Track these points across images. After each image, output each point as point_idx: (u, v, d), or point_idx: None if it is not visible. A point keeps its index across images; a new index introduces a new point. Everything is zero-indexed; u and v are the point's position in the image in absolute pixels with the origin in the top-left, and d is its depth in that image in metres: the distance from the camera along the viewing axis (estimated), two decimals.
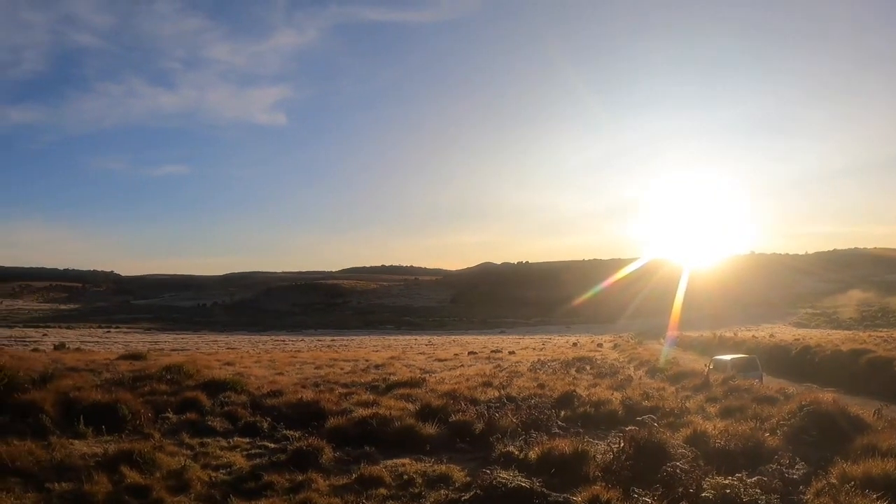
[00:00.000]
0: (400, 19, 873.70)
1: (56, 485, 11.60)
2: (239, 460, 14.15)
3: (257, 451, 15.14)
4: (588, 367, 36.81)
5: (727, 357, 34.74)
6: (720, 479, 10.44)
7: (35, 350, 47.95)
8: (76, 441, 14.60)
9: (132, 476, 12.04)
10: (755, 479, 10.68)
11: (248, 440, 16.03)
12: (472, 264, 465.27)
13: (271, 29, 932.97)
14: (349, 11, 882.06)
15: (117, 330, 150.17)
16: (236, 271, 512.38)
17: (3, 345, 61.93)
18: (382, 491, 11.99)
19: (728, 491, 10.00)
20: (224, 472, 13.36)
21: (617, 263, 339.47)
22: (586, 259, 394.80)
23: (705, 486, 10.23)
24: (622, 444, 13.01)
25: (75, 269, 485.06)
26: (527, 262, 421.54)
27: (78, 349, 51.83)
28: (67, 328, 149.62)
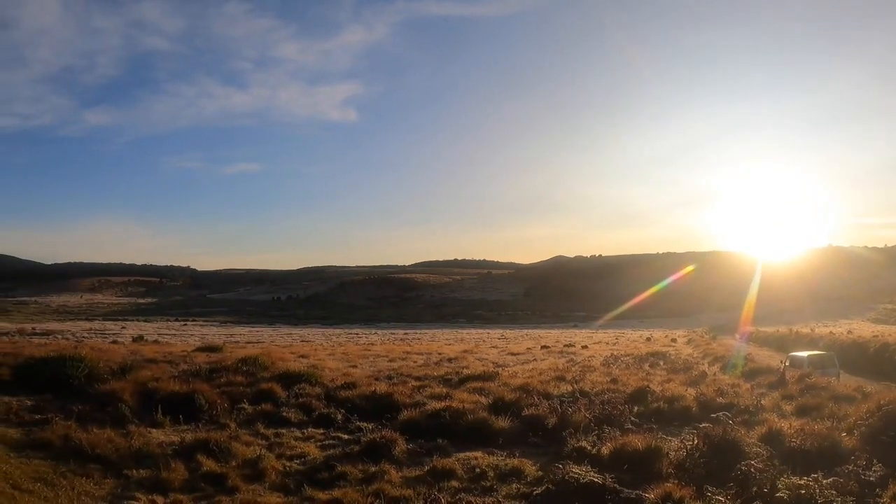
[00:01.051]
0: (467, 13, 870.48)
1: (134, 472, 11.83)
2: (313, 451, 14.29)
3: (331, 441, 15.28)
4: (661, 363, 36.43)
5: (803, 354, 34.08)
6: (795, 480, 10.30)
7: (114, 342, 48.85)
8: (154, 430, 14.87)
9: (208, 464, 12.24)
10: (831, 480, 10.49)
11: (322, 431, 16.19)
12: (545, 257, 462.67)
13: (339, 27, 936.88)
14: (416, 7, 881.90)
15: (194, 323, 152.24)
16: (310, 266, 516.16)
17: (84, 337, 63.38)
18: (454, 483, 12.01)
19: (803, 492, 9.85)
20: (298, 462, 13.51)
21: (691, 256, 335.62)
22: (660, 252, 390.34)
23: (780, 486, 10.08)
24: (696, 442, 12.85)
25: (153, 264, 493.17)
26: (600, 256, 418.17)
27: (156, 341, 52.74)
28: (145, 321, 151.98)
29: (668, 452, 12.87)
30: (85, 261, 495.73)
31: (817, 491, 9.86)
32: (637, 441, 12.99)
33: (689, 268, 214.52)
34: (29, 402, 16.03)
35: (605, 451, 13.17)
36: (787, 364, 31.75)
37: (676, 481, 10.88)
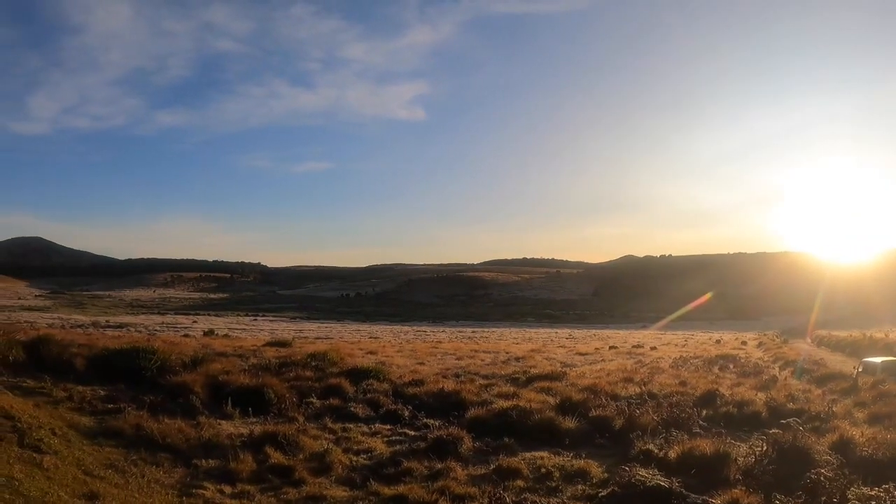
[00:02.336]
0: (532, 10, 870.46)
1: (203, 461, 12.02)
2: (379, 446, 14.37)
3: (398, 437, 15.35)
4: (731, 366, 36.00)
5: (877, 359, 33.26)
6: (866, 490, 10.13)
7: (186, 336, 49.69)
8: (223, 421, 15.08)
9: (276, 456, 12.38)
10: None
11: (388, 427, 16.27)
12: (614, 257, 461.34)
13: (405, 27, 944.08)
14: (481, 5, 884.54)
15: (263, 318, 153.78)
16: (379, 263, 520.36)
17: (156, 330, 64.50)
18: (520, 483, 11.98)
19: (873, 503, 9.68)
20: (364, 456, 13.59)
21: (762, 257, 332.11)
22: (731, 252, 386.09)
23: (850, 496, 9.91)
24: (765, 448, 12.67)
25: (224, 260, 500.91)
26: (669, 255, 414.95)
27: (226, 335, 53.50)
28: (216, 316, 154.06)
29: (736, 458, 12.69)
30: (158, 257, 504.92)
31: (888, 502, 9.69)
32: (705, 445, 12.85)
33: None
34: (102, 392, 16.32)
35: (672, 454, 13.04)
36: (860, 370, 31.08)
37: (744, 488, 10.76)
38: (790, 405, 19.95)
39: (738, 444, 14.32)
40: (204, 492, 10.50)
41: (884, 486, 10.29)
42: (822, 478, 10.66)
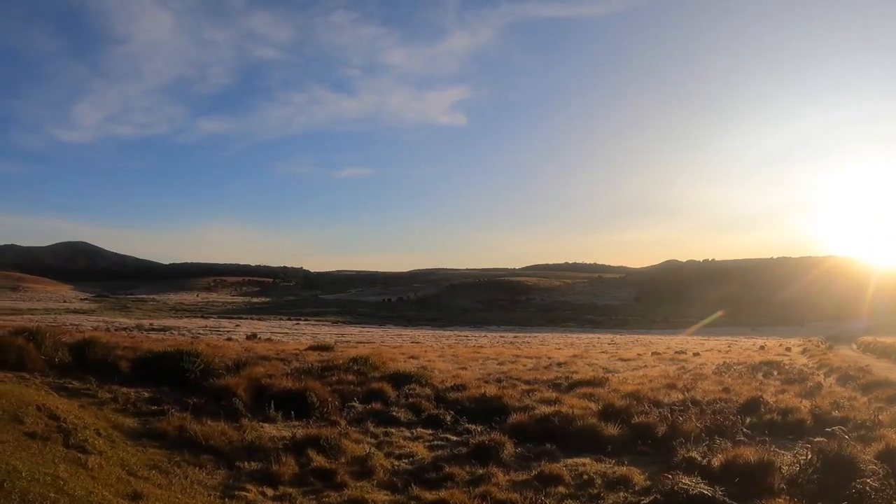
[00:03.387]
0: (572, 14, 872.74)
1: (245, 464, 12.11)
2: (421, 451, 14.39)
3: (439, 442, 15.35)
4: (775, 372, 35.61)
5: None
6: None
7: (228, 339, 49.97)
8: (266, 424, 15.18)
9: (318, 460, 12.44)
10: None
11: (430, 432, 16.26)
12: (656, 261, 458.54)
13: (444, 32, 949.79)
14: (520, 9, 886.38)
15: (306, 322, 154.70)
16: (421, 268, 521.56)
17: (199, 334, 65.07)
18: (561, 489, 11.94)
19: None
20: (406, 461, 13.61)
21: (807, 262, 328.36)
22: (774, 257, 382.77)
23: None
24: (809, 456, 12.52)
25: (266, 265, 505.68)
26: (712, 260, 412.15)
27: (268, 339, 53.80)
28: (258, 320, 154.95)
29: (780, 467, 12.53)
30: (201, 261, 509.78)
31: None
32: (749, 453, 12.72)
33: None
34: (146, 394, 16.50)
35: (715, 462, 12.92)
36: None
37: (788, 497, 10.63)
38: (835, 413, 19.72)
39: (783, 452, 14.17)
40: (246, 494, 10.58)
41: None
42: (867, 488, 10.53)
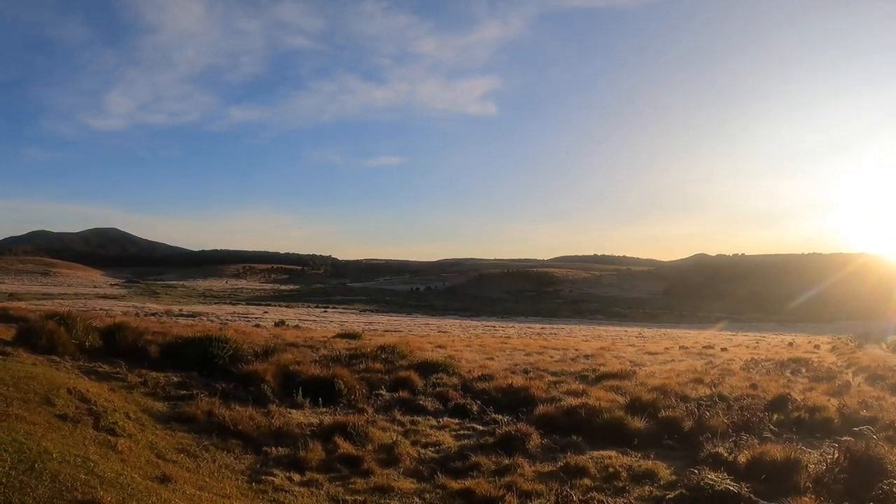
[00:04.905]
0: (605, 4, 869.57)
1: (273, 449, 12.21)
2: (447, 440, 14.44)
3: (466, 432, 15.39)
4: (804, 370, 35.41)
5: None
6: None
7: (257, 326, 50.39)
8: (293, 411, 15.29)
9: (345, 447, 12.51)
10: None
11: (457, 421, 16.31)
12: (686, 255, 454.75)
13: (475, 22, 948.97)
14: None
15: (334, 310, 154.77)
16: (449, 258, 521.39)
17: (228, 320, 65.53)
18: (587, 482, 11.94)
19: None
20: (432, 450, 13.67)
21: (838, 258, 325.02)
22: (805, 253, 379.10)
23: None
24: (836, 456, 12.44)
25: (295, 252, 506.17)
26: (742, 255, 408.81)
27: (296, 326, 54.10)
28: (287, 307, 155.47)
29: (807, 465, 12.47)
30: (230, 248, 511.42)
31: None
32: (776, 451, 12.66)
33: (844, 269, 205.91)
34: (175, 379, 16.66)
35: (741, 458, 12.88)
36: None
37: (814, 496, 10.59)
38: (863, 412, 19.58)
39: (809, 450, 14.12)
40: (273, 478, 10.66)
41: None
42: (894, 489, 10.47)
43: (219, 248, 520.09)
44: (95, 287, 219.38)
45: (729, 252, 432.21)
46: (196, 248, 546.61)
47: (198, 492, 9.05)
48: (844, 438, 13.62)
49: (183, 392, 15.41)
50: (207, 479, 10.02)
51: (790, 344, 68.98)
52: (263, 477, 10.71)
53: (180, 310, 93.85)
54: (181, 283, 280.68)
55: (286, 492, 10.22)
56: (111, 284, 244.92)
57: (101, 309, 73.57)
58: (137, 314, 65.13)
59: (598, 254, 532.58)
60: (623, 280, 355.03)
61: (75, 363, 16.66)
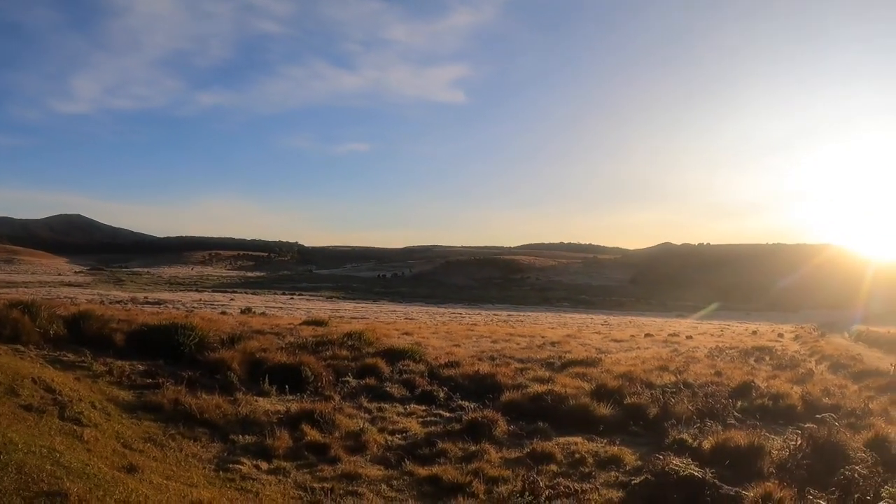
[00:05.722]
0: None
1: (240, 437, 12.23)
2: (414, 426, 14.51)
3: (432, 419, 15.47)
4: (767, 358, 35.74)
5: None
6: None
7: (223, 313, 50.14)
8: (260, 398, 15.29)
9: (312, 434, 12.55)
10: None
11: (423, 408, 16.39)
12: (652, 244, 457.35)
13: (447, 8, 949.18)
14: None
15: (300, 297, 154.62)
16: (416, 244, 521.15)
17: (194, 307, 65.26)
18: (553, 467, 12.05)
19: None
20: (399, 436, 13.74)
21: (801, 249, 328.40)
22: (769, 243, 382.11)
23: (883, 494, 9.83)
24: (799, 442, 12.61)
25: (262, 239, 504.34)
26: (707, 244, 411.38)
27: (263, 314, 53.93)
28: (253, 294, 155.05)
29: (770, 451, 12.64)
30: (196, 235, 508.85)
31: None
32: (739, 437, 12.82)
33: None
34: (141, 367, 16.58)
35: (706, 444, 13.04)
36: None
37: (777, 481, 10.69)
38: (826, 400, 19.83)
39: (773, 437, 14.27)
40: (241, 467, 10.67)
41: None
42: (856, 475, 10.59)
43: (185, 235, 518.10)
44: (60, 275, 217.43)
45: (694, 241, 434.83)
46: (162, 235, 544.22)
47: (165, 481, 9.03)
48: (807, 425, 13.75)
49: (149, 380, 15.33)
50: (174, 469, 10.01)
51: (754, 332, 69.54)
52: (231, 465, 10.71)
53: (146, 297, 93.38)
54: (147, 270, 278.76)
55: (254, 480, 10.23)
56: (76, 272, 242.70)
57: (65, 297, 73.22)
58: (102, 302, 64.70)
59: (565, 241, 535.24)
60: (590, 268, 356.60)
61: (40, 352, 16.53)
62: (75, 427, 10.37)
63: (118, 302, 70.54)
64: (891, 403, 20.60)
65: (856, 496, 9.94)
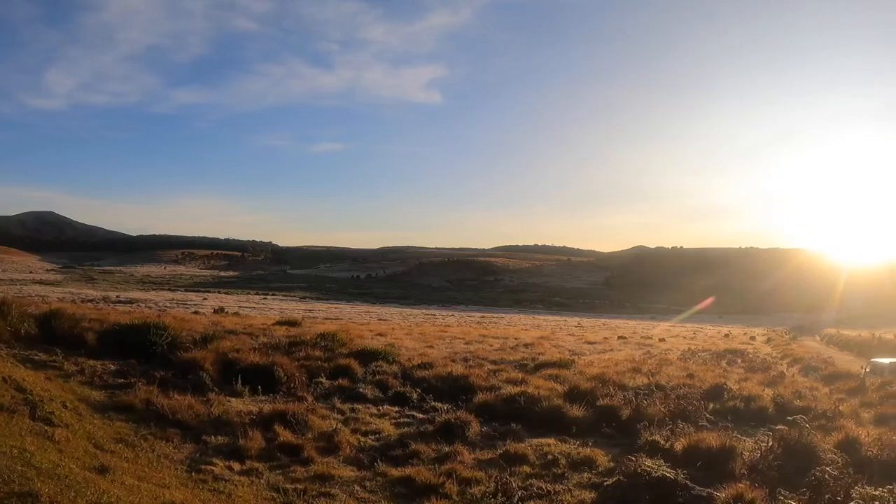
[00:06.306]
0: None
1: (213, 438, 12.17)
2: (387, 428, 14.51)
3: (406, 420, 15.48)
4: (739, 360, 36.02)
5: (885, 360, 33.18)
6: (870, 490, 10.10)
7: (196, 313, 49.87)
8: (233, 399, 15.24)
9: (285, 435, 12.51)
10: None
11: (397, 409, 16.39)
12: (626, 247, 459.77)
13: (425, 9, 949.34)
14: None
15: (273, 297, 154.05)
16: (390, 245, 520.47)
17: (167, 307, 64.85)
18: (526, 469, 12.09)
19: (877, 502, 9.69)
20: (372, 437, 13.73)
21: (774, 253, 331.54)
22: (742, 247, 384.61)
23: (854, 494, 9.91)
24: (771, 444, 12.73)
25: (236, 238, 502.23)
26: (681, 248, 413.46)
27: (236, 314, 53.69)
28: (226, 293, 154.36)
29: (742, 452, 12.74)
30: (170, 233, 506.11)
31: (891, 502, 9.69)
32: (711, 439, 12.90)
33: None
34: (113, 367, 16.50)
35: (678, 446, 13.10)
36: (867, 370, 31.10)
37: (749, 482, 10.77)
38: (797, 402, 20.02)
39: (744, 438, 14.40)
40: (213, 468, 10.62)
41: (888, 486, 10.27)
42: (826, 476, 10.67)
43: (158, 234, 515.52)
44: (31, 272, 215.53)
45: (668, 244, 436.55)
46: (135, 233, 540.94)
47: (137, 482, 8.98)
48: (778, 427, 13.88)
49: (121, 380, 15.26)
50: (146, 469, 9.95)
51: (727, 335, 70.02)
52: (203, 466, 10.66)
53: (118, 296, 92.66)
54: (119, 268, 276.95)
55: (226, 481, 10.19)
56: (47, 270, 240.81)
57: (36, 295, 72.50)
58: (74, 301, 64.19)
59: (540, 244, 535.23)
60: (564, 270, 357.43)
61: (10, 351, 16.41)
62: (46, 427, 10.29)
63: (90, 301, 70.05)
64: (861, 406, 20.85)
65: (826, 497, 10.01)
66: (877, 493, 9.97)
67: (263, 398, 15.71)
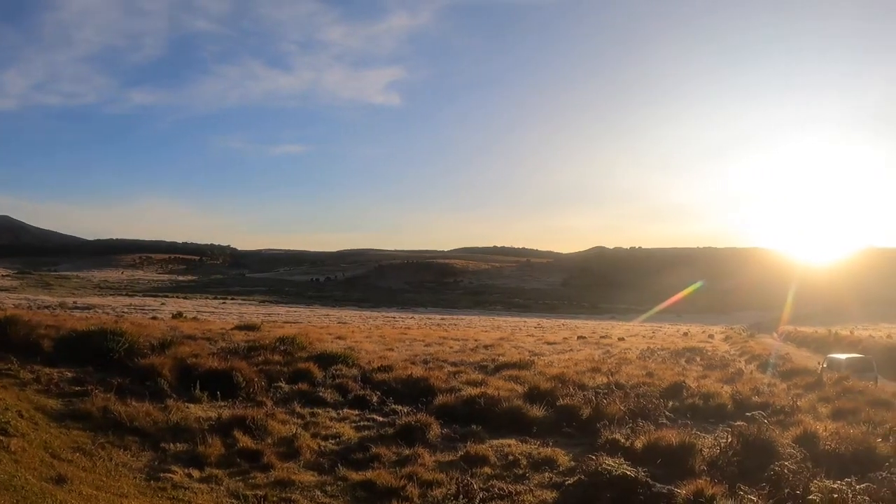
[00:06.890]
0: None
1: (171, 445, 12.05)
2: (348, 431, 14.45)
3: (366, 423, 15.41)
4: (698, 358, 36.32)
5: (842, 356, 33.64)
6: (828, 483, 10.20)
7: (154, 318, 49.44)
8: (192, 405, 15.09)
9: (244, 441, 12.42)
10: (864, 485, 10.32)
11: (357, 412, 16.32)
12: (585, 248, 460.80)
13: (384, 11, 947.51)
14: None
15: (232, 301, 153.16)
16: (349, 248, 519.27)
17: (124, 312, 64.21)
18: (487, 470, 12.10)
19: (835, 495, 9.77)
20: (333, 441, 13.65)
21: (731, 253, 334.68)
22: (700, 247, 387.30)
23: (812, 488, 10.01)
24: (730, 440, 12.83)
25: (194, 242, 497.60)
26: (639, 248, 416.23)
27: (195, 318, 53.25)
28: (185, 298, 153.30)
29: (701, 449, 12.84)
30: (127, 237, 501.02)
31: (850, 495, 9.77)
32: (671, 436, 12.98)
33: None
34: (69, 374, 16.30)
35: (638, 444, 13.17)
36: (824, 366, 31.50)
37: (709, 478, 10.84)
38: (755, 398, 20.15)
39: (704, 435, 14.49)
40: (172, 476, 10.52)
41: (846, 479, 10.37)
42: (785, 470, 10.78)
43: (115, 238, 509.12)
44: None
45: (626, 245, 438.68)
46: (91, 237, 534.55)
47: (95, 492, 8.89)
48: (737, 423, 13.96)
49: (78, 388, 15.07)
50: (104, 479, 9.85)
51: (685, 334, 70.54)
52: (162, 474, 10.56)
53: (75, 302, 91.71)
54: (75, 273, 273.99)
55: (185, 489, 10.11)
56: (2, 276, 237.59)
57: None
58: (30, 307, 63.45)
59: (499, 245, 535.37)
60: (523, 272, 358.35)
61: None
62: (1, 437, 10.17)
63: (46, 307, 69.27)
64: (818, 401, 21.10)
65: (786, 491, 10.11)
66: (835, 486, 10.06)
67: (223, 404, 15.58)
